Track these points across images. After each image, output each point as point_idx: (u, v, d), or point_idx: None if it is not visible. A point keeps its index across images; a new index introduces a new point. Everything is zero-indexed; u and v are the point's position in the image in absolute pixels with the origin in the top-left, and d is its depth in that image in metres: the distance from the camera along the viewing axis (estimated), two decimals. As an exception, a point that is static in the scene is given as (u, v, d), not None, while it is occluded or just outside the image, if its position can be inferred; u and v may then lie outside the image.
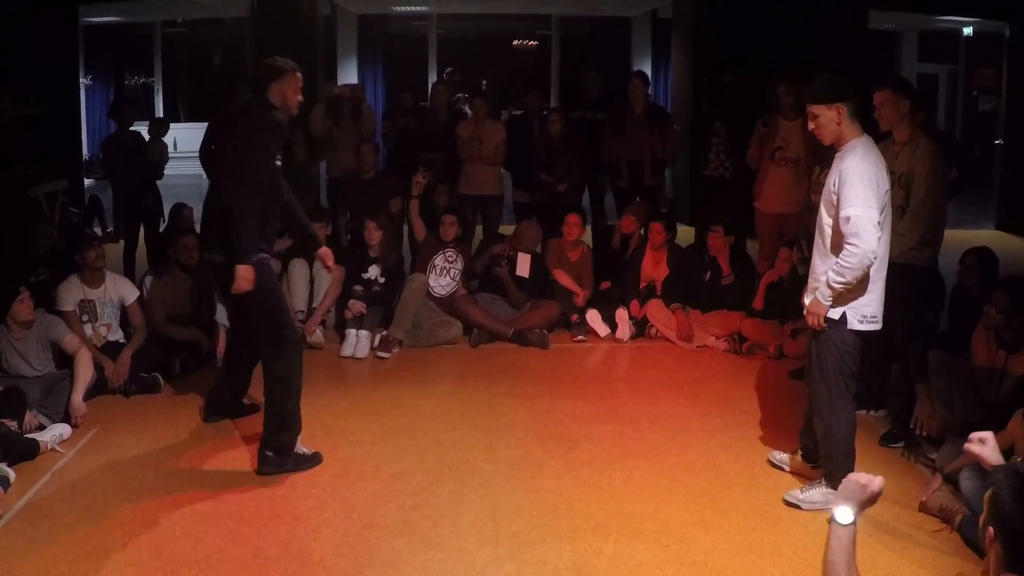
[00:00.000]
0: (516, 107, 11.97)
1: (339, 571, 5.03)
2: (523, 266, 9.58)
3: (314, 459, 6.36)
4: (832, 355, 5.57)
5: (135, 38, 22.24)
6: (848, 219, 5.27)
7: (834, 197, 5.41)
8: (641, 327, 9.45)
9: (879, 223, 5.32)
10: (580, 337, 9.35)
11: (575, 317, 9.53)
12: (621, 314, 9.42)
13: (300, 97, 6.39)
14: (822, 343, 5.59)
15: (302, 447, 6.39)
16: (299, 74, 6.35)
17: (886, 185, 5.45)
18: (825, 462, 5.78)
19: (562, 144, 10.77)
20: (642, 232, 10.02)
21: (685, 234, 11.19)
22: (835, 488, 5.38)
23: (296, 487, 6.01)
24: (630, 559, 5.18)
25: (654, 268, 9.59)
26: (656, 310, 9.37)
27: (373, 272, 9.37)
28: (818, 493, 5.76)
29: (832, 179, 5.46)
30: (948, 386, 6.46)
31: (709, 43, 14.76)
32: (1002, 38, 16.77)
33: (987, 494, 3.37)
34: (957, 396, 6.39)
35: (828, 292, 5.43)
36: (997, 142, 17.02)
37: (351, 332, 8.86)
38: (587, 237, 10.35)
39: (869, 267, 5.34)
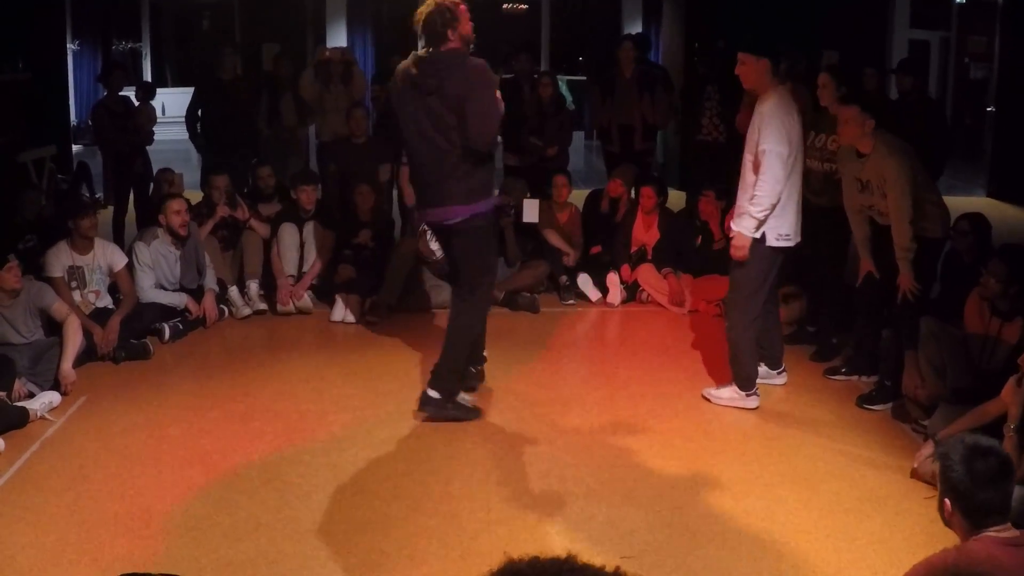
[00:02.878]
0: (505, 71, 11.91)
1: (330, 537, 5.02)
2: (531, 212, 9.50)
3: (474, 412, 6.59)
4: (754, 268, 6.49)
5: (123, 3, 22.08)
6: (764, 152, 6.24)
7: (756, 136, 6.31)
8: (632, 292, 9.44)
9: (788, 158, 6.29)
10: (570, 302, 9.34)
11: (564, 279, 9.51)
12: (612, 279, 9.39)
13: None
14: (746, 259, 6.47)
15: (466, 397, 6.72)
16: (464, 5, 6.29)
17: (798, 128, 6.43)
18: (733, 365, 6.76)
19: (552, 108, 10.74)
20: (632, 195, 10.00)
21: (676, 199, 11.16)
22: (743, 388, 6.74)
23: (286, 453, 6.00)
24: (622, 524, 5.18)
25: (645, 232, 9.57)
26: (647, 275, 9.35)
27: (363, 237, 9.32)
28: (727, 392, 6.84)
29: (755, 121, 6.35)
30: (940, 353, 6.46)
31: (701, 6, 14.68)
32: (994, 5, 16.71)
33: (938, 468, 3.47)
34: (950, 363, 6.38)
35: (751, 224, 6.37)
36: (989, 109, 16.99)
37: (341, 296, 8.82)
38: (576, 200, 10.28)
39: (780, 195, 6.30)
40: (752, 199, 6.33)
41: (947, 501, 3.44)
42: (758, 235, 6.38)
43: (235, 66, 11.07)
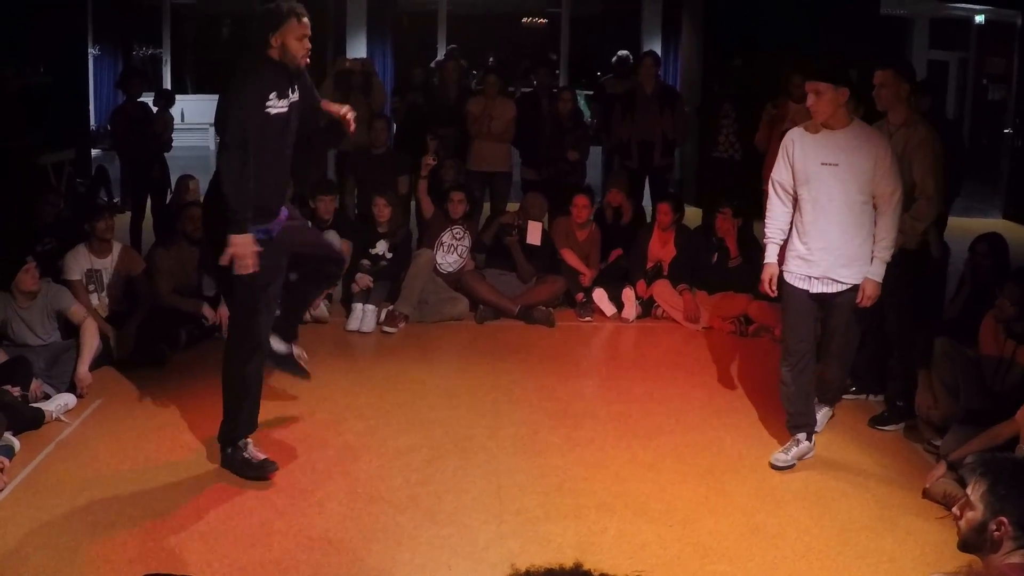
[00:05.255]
0: (524, 85, 11.98)
1: (343, 545, 5.04)
2: (534, 234, 9.54)
3: (261, 468, 5.75)
4: (861, 309, 6.07)
5: (144, 9, 22.13)
6: (896, 197, 5.89)
7: (867, 174, 5.85)
8: (647, 307, 9.44)
9: None
10: (587, 318, 9.34)
11: (580, 296, 9.52)
12: (627, 294, 9.40)
13: (307, 45, 5.56)
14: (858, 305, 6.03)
15: (255, 451, 5.83)
16: (304, 19, 5.49)
17: None
18: (834, 401, 6.60)
19: (571, 122, 10.77)
20: (641, 207, 10.08)
21: (692, 215, 11.18)
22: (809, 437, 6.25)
23: (300, 461, 6.02)
24: (634, 538, 5.19)
25: (661, 248, 9.58)
26: (663, 291, 9.35)
27: (381, 247, 9.36)
28: (804, 448, 6.22)
29: (864, 157, 5.85)
30: (954, 374, 6.46)
31: (719, 24, 14.71)
32: (1014, 27, 16.71)
33: (981, 490, 3.39)
34: (963, 384, 6.39)
35: (882, 270, 5.94)
36: (1006, 131, 16.97)
37: (357, 306, 8.85)
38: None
39: None
40: (883, 243, 5.89)
41: (1004, 520, 3.34)
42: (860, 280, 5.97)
43: None
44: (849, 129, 5.90)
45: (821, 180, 5.90)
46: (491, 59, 20.80)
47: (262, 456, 5.80)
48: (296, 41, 5.50)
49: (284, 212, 5.82)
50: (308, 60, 5.64)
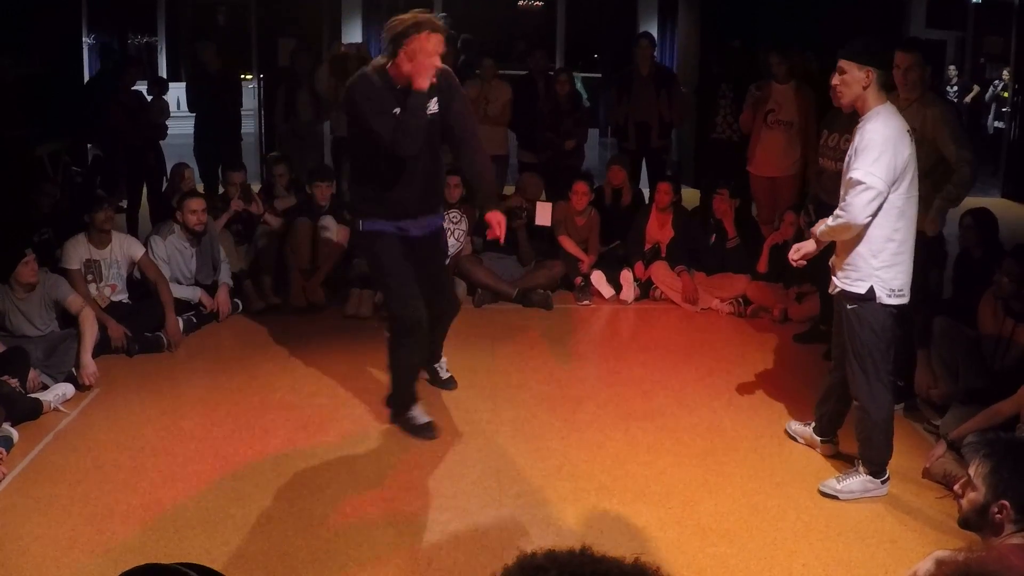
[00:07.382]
0: (518, 67, 11.89)
1: (343, 530, 5.04)
2: (543, 215, 9.48)
3: (423, 431, 6.21)
4: (863, 334, 5.31)
5: (139, -2, 22.13)
6: (852, 181, 5.11)
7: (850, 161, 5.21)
8: (645, 289, 9.43)
9: (882, 194, 5.10)
10: (585, 302, 9.32)
11: (579, 280, 9.50)
12: (626, 276, 9.38)
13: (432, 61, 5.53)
14: (852, 323, 5.34)
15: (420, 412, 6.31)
16: (430, 33, 5.45)
17: (908, 150, 5.19)
18: (864, 446, 5.53)
19: (568, 105, 10.75)
20: (639, 190, 10.07)
21: (690, 197, 11.16)
22: (873, 475, 5.43)
23: (299, 447, 6.02)
24: (633, 521, 5.18)
25: (659, 230, 9.56)
26: (661, 272, 9.34)
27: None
28: (856, 482, 5.53)
29: (853, 144, 5.23)
30: (953, 353, 6.45)
31: (716, 5, 14.67)
32: (1011, 6, 16.65)
33: (984, 471, 3.38)
34: (962, 363, 6.38)
35: (821, 237, 5.44)
36: (1004, 110, 16.94)
37: (355, 291, 8.82)
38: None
39: (854, 231, 5.17)
40: (832, 219, 5.29)
41: (1006, 503, 3.33)
42: (863, 291, 5.25)
43: (214, 57, 11.36)
44: (867, 116, 5.21)
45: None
46: (459, 41, 20.10)
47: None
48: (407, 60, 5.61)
49: (431, 221, 6.28)
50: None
